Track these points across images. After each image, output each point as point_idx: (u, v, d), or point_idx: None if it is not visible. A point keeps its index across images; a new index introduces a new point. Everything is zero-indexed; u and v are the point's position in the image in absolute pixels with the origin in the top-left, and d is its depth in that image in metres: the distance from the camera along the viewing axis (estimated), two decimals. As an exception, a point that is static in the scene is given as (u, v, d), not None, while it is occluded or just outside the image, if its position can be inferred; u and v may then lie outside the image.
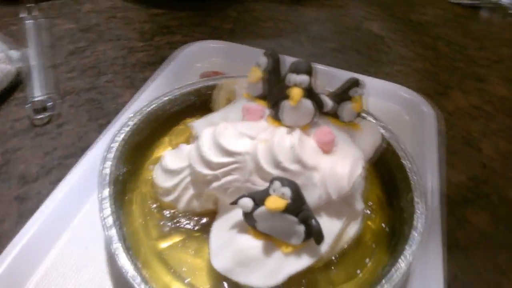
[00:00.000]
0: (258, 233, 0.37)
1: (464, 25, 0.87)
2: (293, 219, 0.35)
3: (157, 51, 0.69)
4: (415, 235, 0.38)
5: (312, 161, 0.37)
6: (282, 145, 0.37)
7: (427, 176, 0.48)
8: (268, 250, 0.36)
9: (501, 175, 0.53)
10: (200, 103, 0.53)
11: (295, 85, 0.36)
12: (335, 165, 0.38)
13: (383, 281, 0.35)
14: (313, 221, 0.35)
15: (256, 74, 0.41)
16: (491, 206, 0.50)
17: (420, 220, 0.39)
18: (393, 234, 0.41)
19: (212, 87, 0.52)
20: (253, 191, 0.37)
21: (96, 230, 0.39)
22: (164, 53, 0.67)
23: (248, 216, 0.36)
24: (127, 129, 0.45)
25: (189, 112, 0.52)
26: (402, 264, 0.36)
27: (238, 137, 0.38)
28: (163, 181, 0.42)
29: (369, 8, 0.89)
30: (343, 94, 0.40)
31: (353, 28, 0.81)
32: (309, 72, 0.36)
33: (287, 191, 0.34)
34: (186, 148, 0.42)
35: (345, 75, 0.45)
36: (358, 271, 0.39)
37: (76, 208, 0.45)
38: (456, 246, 0.45)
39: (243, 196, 0.36)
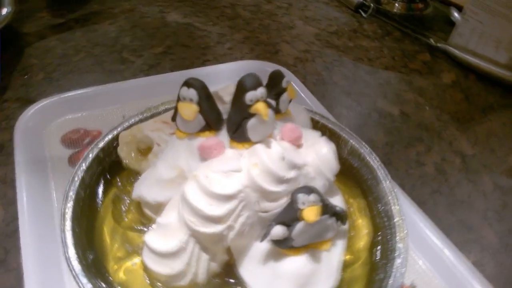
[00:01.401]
0: (297, 250, 0.38)
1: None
2: (326, 217, 0.37)
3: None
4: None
5: (300, 160, 0.39)
6: (274, 159, 0.37)
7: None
8: (315, 258, 0.38)
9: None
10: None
11: (257, 100, 0.36)
12: (316, 152, 0.41)
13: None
14: (337, 208, 0.38)
15: (192, 109, 0.38)
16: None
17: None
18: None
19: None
20: (276, 218, 0.37)
21: None
22: None
23: (283, 241, 0.36)
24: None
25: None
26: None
27: (226, 177, 0.37)
28: (166, 269, 0.36)
29: (159, 2, 0.88)
30: (279, 89, 0.42)
31: (162, 26, 0.80)
32: (261, 83, 0.37)
33: (315, 197, 0.35)
34: (170, 220, 0.37)
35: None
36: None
37: None
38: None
39: (270, 227, 0.36)
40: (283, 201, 0.38)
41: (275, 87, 0.43)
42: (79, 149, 0.55)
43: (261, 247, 0.38)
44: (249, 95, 0.36)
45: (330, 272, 0.39)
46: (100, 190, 0.46)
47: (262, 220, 0.38)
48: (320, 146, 0.41)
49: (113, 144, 0.48)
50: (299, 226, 0.36)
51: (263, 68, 0.68)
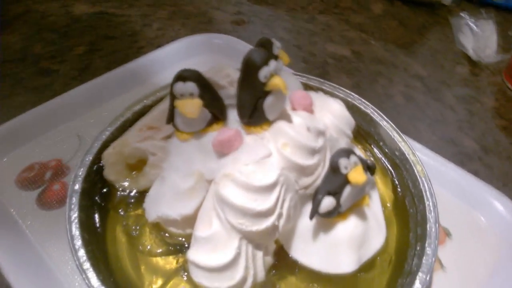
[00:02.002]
0: (344, 214, 0.37)
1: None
2: (368, 173, 0.37)
3: None
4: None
5: (322, 125, 0.38)
6: (302, 133, 0.35)
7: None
8: (362, 215, 0.38)
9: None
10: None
11: (272, 75, 0.33)
12: (330, 112, 0.39)
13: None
14: (368, 161, 0.38)
15: (196, 104, 0.35)
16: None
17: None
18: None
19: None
20: (320, 190, 0.35)
21: None
22: None
23: (332, 210, 0.36)
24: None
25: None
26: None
27: (260, 166, 0.34)
28: (226, 282, 0.34)
29: None
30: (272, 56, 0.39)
31: (72, 22, 0.70)
32: (269, 56, 0.34)
33: (354, 158, 0.35)
34: (213, 230, 0.34)
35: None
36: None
37: None
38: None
39: (317, 201, 0.35)
40: (318, 172, 0.36)
41: (270, 52, 0.40)
42: (44, 187, 0.47)
43: (307, 224, 0.37)
44: (264, 72, 0.33)
45: (379, 223, 0.39)
46: (100, 223, 0.41)
47: (302, 198, 0.37)
48: (331, 105, 0.40)
49: (93, 168, 0.42)
50: (346, 191, 0.35)
51: (211, 41, 0.63)
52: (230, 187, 0.33)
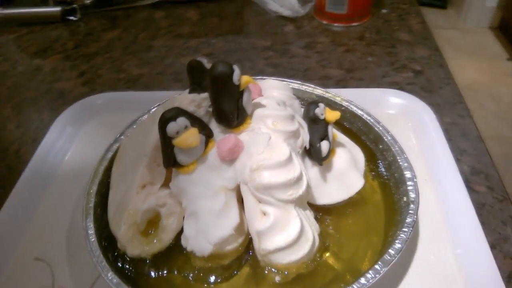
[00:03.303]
0: (332, 150, 0.47)
1: None
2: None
3: None
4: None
5: (279, 98, 0.47)
6: (278, 109, 0.44)
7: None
8: (341, 145, 0.49)
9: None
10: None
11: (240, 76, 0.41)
12: (272, 88, 0.49)
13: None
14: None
15: (194, 133, 0.39)
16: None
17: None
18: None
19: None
20: (312, 141, 0.45)
21: None
22: None
23: (329, 151, 0.46)
24: None
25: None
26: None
27: (270, 149, 0.41)
28: (304, 248, 0.40)
29: None
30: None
31: None
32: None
33: (322, 105, 0.45)
34: (272, 215, 0.40)
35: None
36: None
37: None
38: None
39: (318, 148, 0.45)
40: (302, 131, 0.45)
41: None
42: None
43: (315, 173, 0.46)
44: (236, 76, 0.40)
45: (352, 144, 0.51)
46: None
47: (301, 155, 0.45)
48: (269, 83, 0.49)
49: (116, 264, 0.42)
50: (329, 131, 0.45)
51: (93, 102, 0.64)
52: (265, 173, 0.39)
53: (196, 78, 0.46)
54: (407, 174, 0.48)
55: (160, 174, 0.44)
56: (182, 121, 0.39)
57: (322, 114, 0.44)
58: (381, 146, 0.53)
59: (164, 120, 0.38)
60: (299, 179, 0.40)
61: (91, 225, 0.44)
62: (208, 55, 0.82)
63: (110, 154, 0.52)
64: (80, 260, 0.47)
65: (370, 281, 0.38)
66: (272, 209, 0.40)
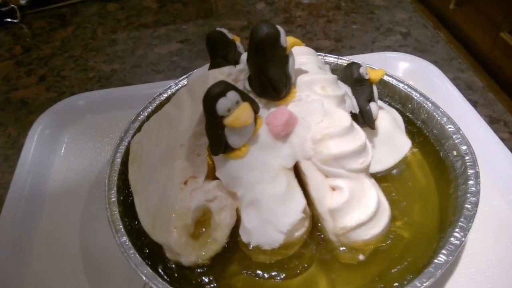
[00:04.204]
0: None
1: None
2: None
3: None
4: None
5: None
6: (322, 72, 0.40)
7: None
8: (382, 109, 0.46)
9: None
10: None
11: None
12: (300, 54, 0.45)
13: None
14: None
15: (248, 106, 0.35)
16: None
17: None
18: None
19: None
20: (361, 104, 0.42)
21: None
22: None
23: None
24: None
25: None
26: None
27: (328, 117, 0.38)
28: (384, 219, 0.37)
29: None
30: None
31: None
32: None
33: (364, 64, 0.42)
34: (347, 189, 0.36)
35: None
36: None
37: None
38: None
39: (368, 110, 0.42)
40: (348, 94, 0.42)
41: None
42: None
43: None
44: (283, 37, 0.35)
45: (389, 107, 0.48)
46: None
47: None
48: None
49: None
50: (375, 91, 0.42)
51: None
52: (333, 143, 0.36)
53: (221, 51, 0.41)
54: (449, 128, 0.46)
55: (202, 164, 0.39)
56: (233, 95, 0.33)
57: (367, 74, 0.41)
58: (410, 106, 0.51)
59: (212, 97, 0.33)
60: (366, 144, 0.37)
61: (125, 240, 0.37)
62: (183, 41, 0.76)
63: (119, 156, 0.45)
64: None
65: (462, 239, 0.35)
66: (344, 181, 0.36)
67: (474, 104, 0.60)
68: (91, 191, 0.50)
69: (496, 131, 0.55)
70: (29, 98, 0.66)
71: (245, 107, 0.34)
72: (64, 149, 0.56)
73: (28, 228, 0.47)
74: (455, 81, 0.63)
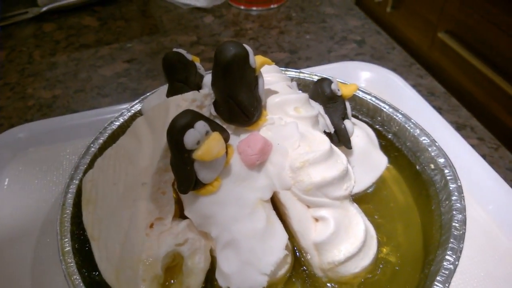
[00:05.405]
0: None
1: None
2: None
3: None
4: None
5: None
6: (293, 91, 0.38)
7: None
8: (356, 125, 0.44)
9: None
10: None
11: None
12: (265, 73, 0.42)
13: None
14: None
15: (218, 136, 0.31)
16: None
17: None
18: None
19: None
20: (334, 122, 0.40)
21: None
22: None
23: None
24: None
25: None
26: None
27: (305, 140, 0.35)
28: (373, 248, 0.35)
29: None
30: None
31: None
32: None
33: (334, 79, 0.40)
34: (332, 222, 0.33)
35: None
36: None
37: None
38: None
39: (343, 128, 0.40)
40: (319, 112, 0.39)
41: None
42: None
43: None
44: (252, 57, 0.32)
45: (360, 122, 0.46)
46: None
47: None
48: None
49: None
50: (348, 108, 0.40)
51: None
52: (314, 170, 0.33)
53: (180, 74, 0.37)
54: (424, 140, 0.44)
55: (168, 203, 0.34)
56: (201, 126, 0.30)
57: (339, 90, 0.39)
58: (379, 118, 0.49)
59: (179, 129, 0.29)
60: (348, 168, 0.34)
61: (85, 296, 0.32)
62: (130, 61, 0.71)
63: (70, 198, 0.40)
64: None
65: (456, 263, 0.33)
66: (328, 211, 0.33)
67: (439, 110, 0.59)
68: (40, 237, 0.44)
69: (464, 137, 0.54)
70: (-41, 133, 0.58)
71: (216, 138, 0.30)
72: (6, 189, 0.49)
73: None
74: (417, 87, 0.63)
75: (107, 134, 0.46)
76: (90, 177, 0.40)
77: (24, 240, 0.45)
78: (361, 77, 0.62)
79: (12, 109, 0.62)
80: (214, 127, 0.31)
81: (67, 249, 0.36)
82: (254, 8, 0.86)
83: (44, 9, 0.83)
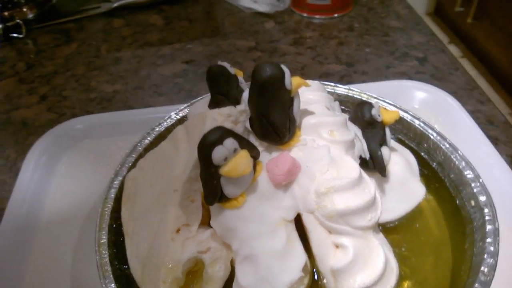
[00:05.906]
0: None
1: None
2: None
3: None
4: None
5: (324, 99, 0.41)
6: (330, 114, 0.38)
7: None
8: (395, 150, 0.44)
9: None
10: None
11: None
12: (307, 91, 0.42)
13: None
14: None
15: (246, 154, 0.32)
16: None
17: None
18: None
19: None
20: (372, 148, 0.39)
21: None
22: None
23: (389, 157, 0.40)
24: None
25: None
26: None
27: (334, 165, 0.35)
28: (394, 274, 0.34)
29: None
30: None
31: None
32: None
33: (375, 104, 0.40)
34: (353, 247, 0.33)
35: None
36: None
37: None
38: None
39: (379, 155, 0.39)
40: (357, 138, 0.39)
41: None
42: None
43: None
44: (287, 79, 0.33)
45: (403, 148, 0.45)
46: None
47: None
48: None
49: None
50: (387, 134, 0.39)
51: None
52: (339, 197, 0.33)
53: (222, 87, 0.39)
54: (468, 174, 0.43)
55: (196, 211, 0.36)
56: (230, 143, 0.31)
57: (379, 116, 0.38)
58: (425, 145, 0.47)
59: (208, 145, 0.30)
60: (376, 198, 0.34)
61: (113, 287, 0.35)
62: (188, 62, 0.74)
63: (113, 192, 0.43)
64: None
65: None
66: (349, 240, 0.33)
67: (495, 141, 0.56)
68: (85, 224, 0.48)
69: (516, 173, 0.51)
70: (30, 118, 0.64)
71: (243, 156, 0.32)
72: (60, 177, 0.54)
73: (18, 262, 0.45)
74: (475, 114, 0.60)
75: (153, 135, 0.49)
76: (132, 175, 0.43)
77: (72, 224, 0.49)
78: (416, 98, 0.61)
79: (76, 99, 0.67)
80: (243, 144, 0.32)
81: (103, 241, 0.39)
82: (317, 16, 0.86)
83: (115, 4, 0.89)
